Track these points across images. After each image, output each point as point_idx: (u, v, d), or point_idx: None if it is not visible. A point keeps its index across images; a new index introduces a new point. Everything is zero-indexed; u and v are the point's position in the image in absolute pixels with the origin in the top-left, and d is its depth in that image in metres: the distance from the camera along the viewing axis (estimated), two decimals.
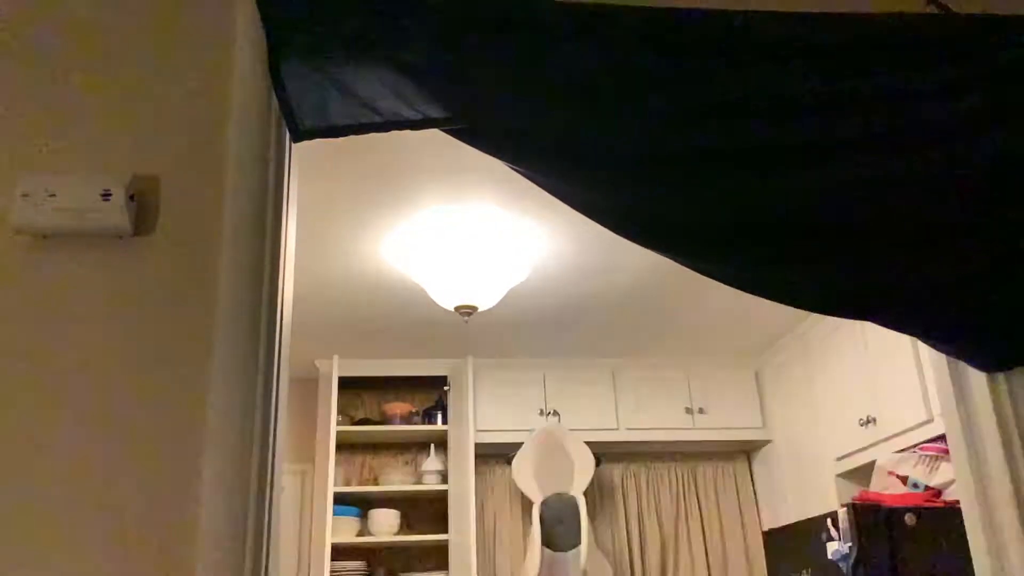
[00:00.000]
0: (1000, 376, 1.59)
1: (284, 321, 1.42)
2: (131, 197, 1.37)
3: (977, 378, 1.61)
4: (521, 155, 1.53)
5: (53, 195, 1.35)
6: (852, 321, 3.79)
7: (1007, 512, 1.53)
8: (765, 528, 4.91)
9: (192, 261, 1.39)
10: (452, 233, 3.29)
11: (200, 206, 1.41)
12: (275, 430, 1.33)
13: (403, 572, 4.62)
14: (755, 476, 5.06)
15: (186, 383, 1.31)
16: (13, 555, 1.22)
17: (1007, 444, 1.55)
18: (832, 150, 1.47)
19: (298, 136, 1.45)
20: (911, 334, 1.93)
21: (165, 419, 1.29)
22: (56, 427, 1.28)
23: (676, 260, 1.59)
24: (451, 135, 1.48)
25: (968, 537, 1.64)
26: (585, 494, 4.51)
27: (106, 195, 1.35)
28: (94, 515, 1.24)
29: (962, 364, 1.64)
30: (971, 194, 1.46)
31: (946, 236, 1.49)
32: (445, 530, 4.58)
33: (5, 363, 1.30)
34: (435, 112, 1.45)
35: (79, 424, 1.28)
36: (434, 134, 1.49)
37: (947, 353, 1.66)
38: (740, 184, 1.49)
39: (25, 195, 1.35)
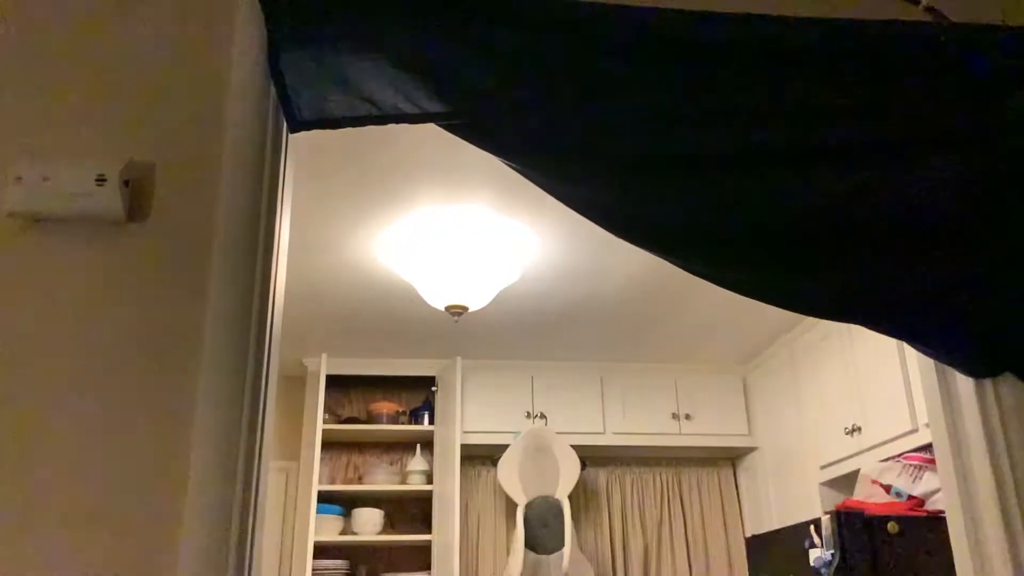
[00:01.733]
0: (987, 381, 1.59)
1: (276, 314, 1.41)
2: (126, 183, 1.36)
3: (964, 383, 1.62)
4: (520, 153, 1.53)
5: (47, 179, 1.34)
6: (840, 331, 3.82)
7: (991, 517, 1.54)
8: (748, 535, 4.92)
9: (186, 249, 1.38)
10: (444, 233, 3.29)
11: (195, 193, 1.40)
12: (263, 423, 1.32)
13: (385, 572, 4.61)
14: (740, 483, 5.07)
15: (175, 373, 1.30)
16: (2, 535, 1.21)
17: (993, 449, 1.56)
18: (826, 157, 1.47)
19: (295, 126, 1.44)
20: (899, 338, 1.95)
21: (152, 408, 1.28)
22: (42, 413, 1.26)
23: (671, 262, 1.59)
24: (449, 131, 1.48)
25: (952, 542, 1.64)
26: (570, 497, 4.52)
27: (100, 180, 1.34)
28: (78, 500, 1.23)
29: (949, 369, 1.65)
30: (962, 201, 1.48)
31: (936, 242, 1.50)
32: (429, 530, 4.57)
33: None
34: (434, 107, 1.44)
35: (64, 411, 1.27)
36: (429, 134, 1.49)
37: (934, 358, 1.68)
38: (736, 189, 1.49)
39: (19, 178, 1.34)
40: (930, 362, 1.69)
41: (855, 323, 1.74)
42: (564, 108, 1.46)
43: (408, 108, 1.44)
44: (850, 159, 1.47)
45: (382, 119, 1.44)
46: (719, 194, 1.50)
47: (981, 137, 1.48)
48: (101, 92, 1.45)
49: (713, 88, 1.46)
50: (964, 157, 1.48)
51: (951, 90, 1.47)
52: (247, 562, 1.24)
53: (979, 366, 1.60)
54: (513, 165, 1.54)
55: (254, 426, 1.30)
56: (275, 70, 1.42)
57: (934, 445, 1.71)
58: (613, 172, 1.50)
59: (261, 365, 1.34)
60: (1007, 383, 1.59)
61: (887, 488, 3.34)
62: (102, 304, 1.34)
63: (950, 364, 1.64)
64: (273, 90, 1.42)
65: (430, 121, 1.46)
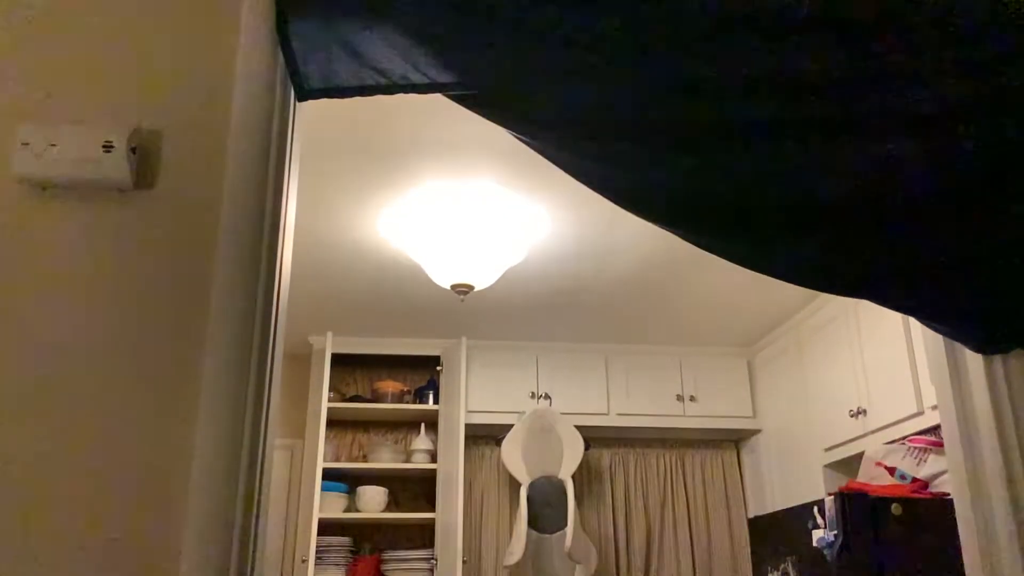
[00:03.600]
0: (996, 357, 1.59)
1: (282, 288, 1.40)
2: (133, 149, 1.35)
3: (973, 360, 1.61)
4: (530, 126, 1.51)
5: (54, 145, 1.33)
6: (846, 313, 3.81)
7: (999, 495, 1.53)
8: (751, 516, 4.94)
9: (192, 217, 1.37)
10: (451, 210, 3.28)
11: (202, 161, 1.39)
12: (268, 400, 1.31)
13: (389, 549, 4.64)
14: (743, 465, 5.08)
15: (180, 345, 1.29)
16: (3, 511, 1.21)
17: (1001, 426, 1.55)
18: (844, 128, 1.45)
19: (303, 95, 1.43)
20: (909, 314, 1.94)
21: (156, 382, 1.27)
22: (43, 382, 1.26)
23: (682, 236, 1.58)
24: (458, 102, 1.46)
25: (957, 519, 1.64)
26: (573, 477, 4.53)
27: (107, 147, 1.34)
28: (80, 476, 1.22)
29: (958, 346, 1.64)
30: (976, 175, 1.46)
31: (947, 216, 1.49)
32: (432, 509, 4.59)
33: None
34: (443, 77, 1.43)
35: (66, 381, 1.26)
36: (436, 108, 1.47)
37: (943, 334, 1.66)
38: (760, 164, 1.47)
39: (26, 144, 1.33)
40: (939, 339, 1.68)
41: (867, 298, 1.73)
42: (580, 80, 1.43)
43: (417, 78, 1.42)
44: (870, 131, 1.44)
45: (391, 88, 1.43)
46: (738, 167, 1.48)
47: (1003, 111, 1.45)
48: (108, 59, 1.44)
49: (735, 59, 1.42)
50: (987, 128, 1.45)
51: (971, 63, 1.45)
52: (252, 538, 1.24)
53: (989, 342, 1.59)
54: (523, 139, 1.52)
55: (259, 403, 1.28)
56: (283, 38, 1.40)
57: (942, 422, 1.71)
58: (631, 147, 1.47)
59: (267, 341, 1.33)
60: (1017, 359, 1.58)
61: (891, 470, 3.34)
62: (106, 272, 1.33)
63: (959, 340, 1.63)
64: (281, 58, 1.41)
65: (439, 91, 1.44)
